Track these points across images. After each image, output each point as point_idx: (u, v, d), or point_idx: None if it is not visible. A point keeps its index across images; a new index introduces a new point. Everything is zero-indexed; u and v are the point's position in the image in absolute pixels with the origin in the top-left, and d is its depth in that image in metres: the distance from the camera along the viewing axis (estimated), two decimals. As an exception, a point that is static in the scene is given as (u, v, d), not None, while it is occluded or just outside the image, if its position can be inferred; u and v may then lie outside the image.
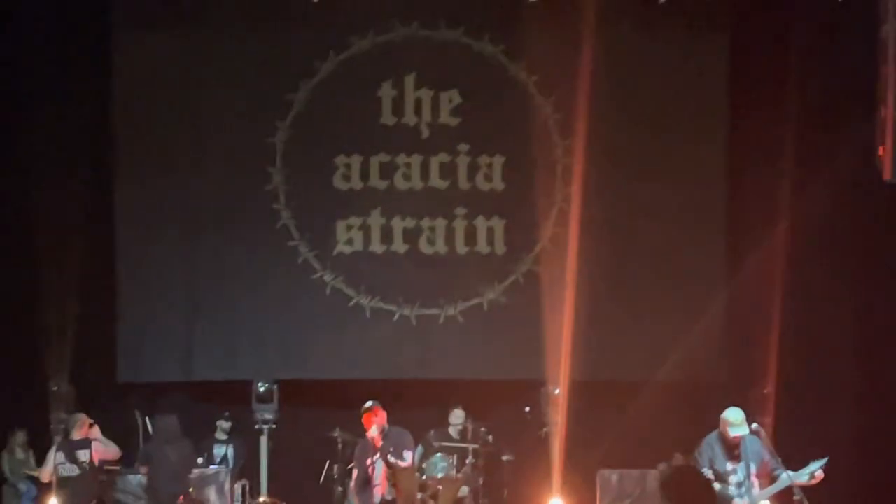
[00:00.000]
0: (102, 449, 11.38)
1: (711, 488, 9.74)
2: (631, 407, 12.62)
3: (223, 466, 12.65)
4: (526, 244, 13.25)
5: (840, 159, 12.59)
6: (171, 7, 12.96)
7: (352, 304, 13.23)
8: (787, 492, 9.56)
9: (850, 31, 12.42)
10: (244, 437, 12.87)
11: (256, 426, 12.54)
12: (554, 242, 13.13)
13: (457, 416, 12.61)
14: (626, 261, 13.08)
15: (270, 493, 12.43)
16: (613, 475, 12.31)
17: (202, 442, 12.67)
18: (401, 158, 13.28)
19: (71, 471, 11.19)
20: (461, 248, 13.30)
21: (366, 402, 10.66)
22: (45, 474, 11.30)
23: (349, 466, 11.64)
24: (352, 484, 11.17)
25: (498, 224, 13.31)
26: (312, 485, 12.47)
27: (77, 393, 12.55)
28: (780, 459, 9.63)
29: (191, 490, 11.81)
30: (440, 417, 12.65)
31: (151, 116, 13.21)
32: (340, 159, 13.28)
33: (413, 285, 13.20)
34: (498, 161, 13.29)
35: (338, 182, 13.30)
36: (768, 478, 9.66)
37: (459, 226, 13.30)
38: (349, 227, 13.29)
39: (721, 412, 9.84)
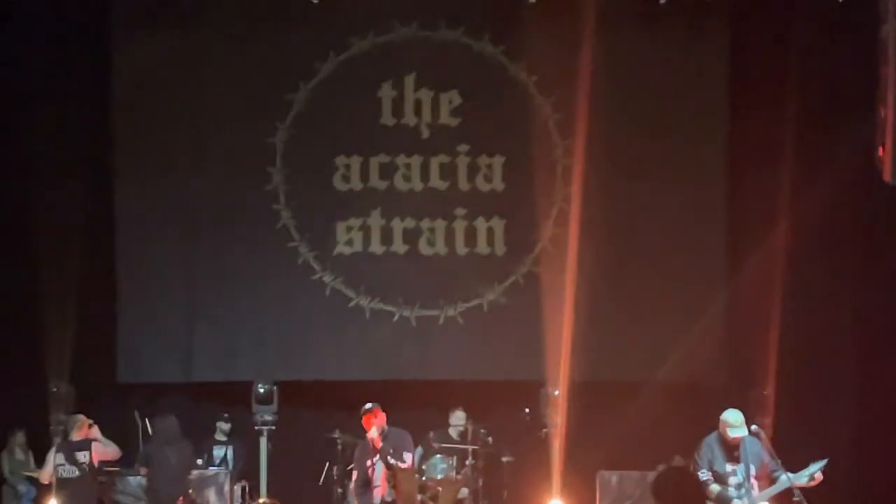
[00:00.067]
0: (102, 449, 11.38)
1: (702, 492, 9.72)
2: (631, 408, 12.60)
3: (223, 468, 12.65)
4: (526, 245, 13.24)
5: (840, 159, 12.58)
6: (171, 7, 12.94)
7: (351, 304, 13.22)
8: (787, 493, 9.56)
9: (850, 31, 12.40)
10: (244, 438, 12.87)
11: (256, 427, 12.54)
12: (554, 243, 13.12)
13: (458, 418, 12.61)
14: (626, 261, 13.06)
15: (270, 495, 12.42)
16: (613, 476, 12.31)
17: (202, 443, 12.67)
18: (401, 159, 13.27)
19: (71, 472, 11.19)
20: (461, 249, 13.29)
21: (365, 403, 10.70)
22: (45, 475, 11.30)
23: (349, 468, 11.64)
24: (352, 485, 11.18)
25: (498, 225, 13.30)
26: (312, 486, 12.46)
27: (77, 394, 12.54)
28: (779, 461, 9.62)
29: (190, 491, 11.82)
30: (440, 419, 12.66)
31: (151, 116, 13.20)
32: (340, 160, 13.28)
33: (413, 286, 13.19)
34: (498, 161, 13.28)
35: (338, 183, 13.29)
36: (768, 479, 9.67)
37: (459, 226, 13.29)
38: (349, 228, 13.28)
39: (721, 413, 9.84)
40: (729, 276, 13.13)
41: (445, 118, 13.28)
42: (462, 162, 13.30)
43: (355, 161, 13.28)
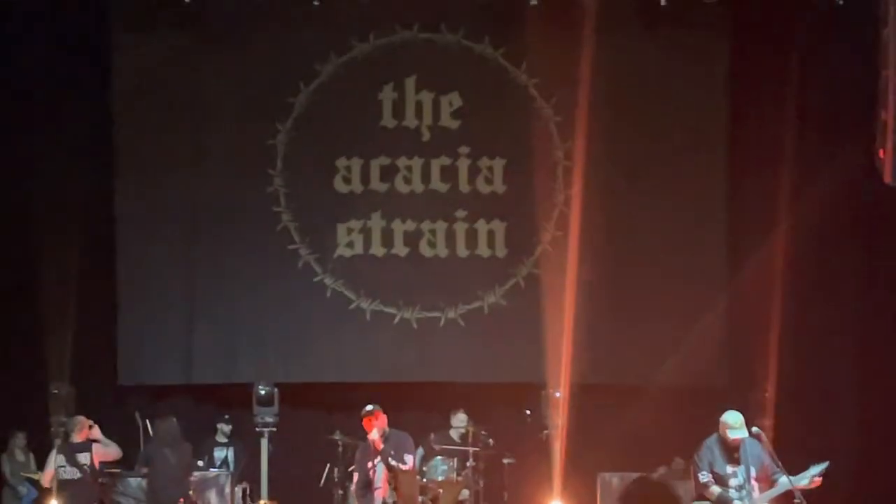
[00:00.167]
0: (103, 450, 11.36)
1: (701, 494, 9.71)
2: (631, 410, 12.61)
3: (224, 469, 12.63)
4: (526, 247, 13.25)
5: (840, 162, 12.58)
6: (171, 7, 12.92)
7: (352, 307, 13.22)
8: (788, 495, 9.55)
9: (850, 34, 12.40)
10: (245, 439, 12.84)
11: (257, 429, 12.51)
12: (554, 245, 13.12)
13: (459, 420, 12.61)
14: (627, 263, 13.08)
15: (271, 496, 12.38)
16: (614, 478, 12.30)
17: (203, 445, 12.67)
18: (401, 161, 13.29)
19: (72, 474, 11.17)
20: (462, 251, 13.30)
21: (366, 405, 10.70)
22: (47, 478, 11.27)
23: (350, 469, 11.63)
24: (353, 487, 11.20)
25: (498, 227, 13.31)
26: (313, 488, 12.44)
27: (77, 395, 12.52)
28: (780, 463, 9.62)
29: (191, 493, 11.80)
30: (441, 421, 12.66)
31: (151, 117, 13.21)
32: (341, 162, 13.28)
33: (413, 288, 13.19)
34: (498, 164, 13.29)
35: (338, 185, 13.30)
36: (768, 481, 9.65)
37: (460, 229, 13.30)
38: (350, 230, 13.28)
39: (721, 415, 9.84)
40: (729, 277, 13.14)
41: (446, 120, 13.29)
42: (463, 164, 13.31)
43: (356, 163, 13.28)
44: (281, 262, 13.21)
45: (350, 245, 13.28)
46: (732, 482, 9.64)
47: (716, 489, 9.67)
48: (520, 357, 12.93)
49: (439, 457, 12.07)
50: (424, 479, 11.82)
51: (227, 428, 12.95)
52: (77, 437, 11.28)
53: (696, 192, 13.21)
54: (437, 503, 11.82)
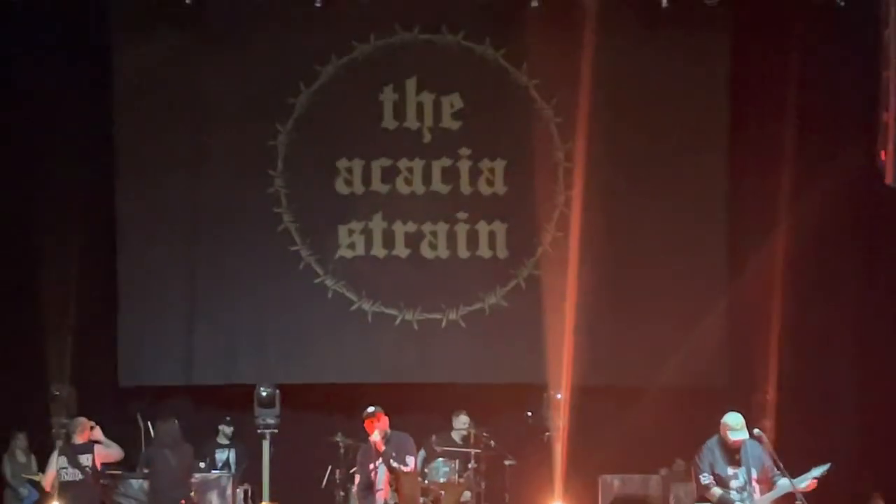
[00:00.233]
0: (105, 451, 11.36)
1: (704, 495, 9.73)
2: (633, 411, 12.64)
3: (225, 471, 12.65)
4: (527, 248, 13.25)
5: (841, 163, 12.60)
6: (171, 8, 12.89)
7: (353, 308, 13.23)
8: (789, 497, 9.56)
9: (851, 35, 12.42)
10: (246, 441, 12.84)
11: (258, 431, 12.49)
12: (555, 246, 13.12)
13: (461, 421, 12.60)
14: (628, 264, 13.08)
15: (272, 498, 12.37)
16: (615, 480, 12.33)
17: (204, 446, 12.67)
18: (402, 163, 13.28)
19: (73, 475, 11.16)
20: (463, 253, 13.30)
21: (368, 407, 10.70)
22: (49, 480, 11.27)
23: (351, 471, 11.64)
24: (354, 489, 11.21)
25: (499, 228, 13.31)
26: (314, 489, 12.45)
27: (78, 396, 12.50)
28: (781, 465, 9.63)
29: (192, 494, 11.80)
30: (442, 422, 12.66)
31: (151, 117, 13.20)
32: (342, 163, 13.28)
33: (415, 290, 13.20)
34: (499, 165, 13.29)
35: (339, 186, 13.30)
36: (769, 483, 9.65)
37: (461, 230, 13.30)
38: (351, 232, 13.28)
39: (722, 416, 9.85)
40: (729, 278, 13.15)
41: (447, 122, 13.29)
42: (464, 165, 13.31)
43: (357, 164, 13.28)
44: (282, 263, 13.21)
45: (351, 246, 13.28)
46: (733, 484, 9.64)
47: (717, 491, 9.68)
48: (521, 358, 12.93)
49: (441, 458, 12.08)
50: (426, 481, 11.84)
51: (228, 429, 12.95)
52: (78, 439, 11.28)
53: (696, 192, 13.22)
54: (439, 504, 11.86)
